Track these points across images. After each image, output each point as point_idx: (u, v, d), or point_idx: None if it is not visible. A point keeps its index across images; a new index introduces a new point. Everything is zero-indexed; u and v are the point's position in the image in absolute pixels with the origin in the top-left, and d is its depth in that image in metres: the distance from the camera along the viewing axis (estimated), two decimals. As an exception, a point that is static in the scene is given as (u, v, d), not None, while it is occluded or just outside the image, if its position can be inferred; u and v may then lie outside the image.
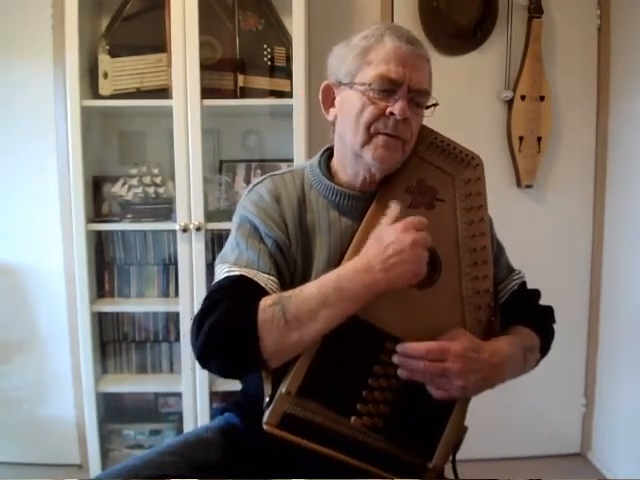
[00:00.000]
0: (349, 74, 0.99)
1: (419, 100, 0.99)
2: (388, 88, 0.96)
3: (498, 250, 1.14)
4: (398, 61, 0.96)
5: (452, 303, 0.99)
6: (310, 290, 0.91)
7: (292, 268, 1.01)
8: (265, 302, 0.90)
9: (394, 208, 0.95)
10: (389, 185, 1.03)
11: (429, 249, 0.92)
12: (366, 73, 0.97)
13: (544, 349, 1.10)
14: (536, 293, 1.17)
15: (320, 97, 1.07)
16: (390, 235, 0.91)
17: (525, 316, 1.09)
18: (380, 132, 0.97)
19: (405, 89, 0.96)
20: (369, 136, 0.98)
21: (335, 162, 1.08)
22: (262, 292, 0.94)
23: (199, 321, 0.92)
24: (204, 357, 0.93)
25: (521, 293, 1.13)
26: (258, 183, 1.08)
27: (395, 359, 0.93)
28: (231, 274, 0.96)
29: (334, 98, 1.05)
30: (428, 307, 0.96)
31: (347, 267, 0.91)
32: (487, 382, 0.95)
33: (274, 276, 0.97)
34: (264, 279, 0.95)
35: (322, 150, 1.11)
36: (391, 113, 0.95)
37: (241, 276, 0.95)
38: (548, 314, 1.15)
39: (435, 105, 1.03)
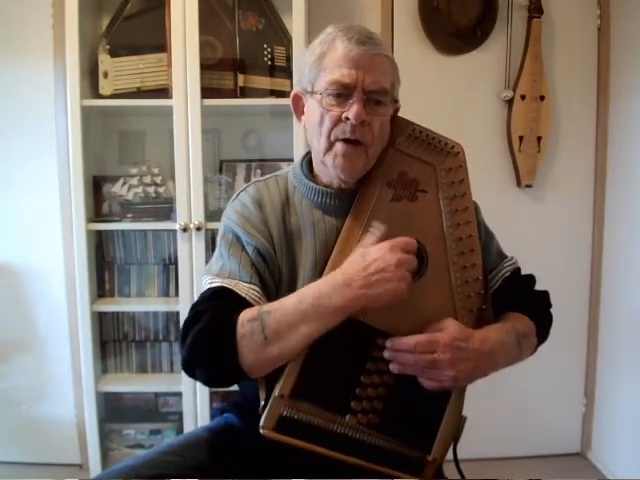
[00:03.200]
0: (310, 82, 1.00)
1: (379, 99, 0.98)
2: (342, 93, 0.96)
3: (487, 237, 1.13)
4: (350, 64, 0.95)
5: (441, 294, 0.99)
6: (290, 305, 0.91)
7: (277, 273, 1.01)
8: (244, 316, 0.91)
9: (378, 228, 0.94)
10: (369, 181, 1.03)
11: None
12: (322, 80, 0.98)
13: (542, 335, 1.09)
14: (530, 278, 1.16)
15: (291, 106, 1.08)
16: (375, 253, 0.90)
17: (519, 302, 1.08)
18: (339, 138, 0.97)
19: (360, 92, 0.95)
20: (330, 143, 0.99)
21: (314, 166, 1.09)
22: (243, 302, 0.95)
23: (184, 332, 0.94)
24: (188, 368, 0.95)
25: (514, 279, 1.11)
26: (242, 191, 1.09)
27: (386, 354, 0.93)
28: (212, 285, 0.98)
29: (304, 105, 1.05)
30: (417, 300, 0.95)
31: (327, 281, 0.91)
32: (479, 370, 0.94)
33: (256, 285, 0.97)
34: (245, 289, 0.96)
35: (305, 153, 1.11)
36: (347, 118, 0.96)
37: (222, 287, 0.97)
38: (543, 299, 1.15)
39: (396, 101, 1.02)
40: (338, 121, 0.97)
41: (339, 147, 0.98)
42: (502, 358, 0.98)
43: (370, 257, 0.90)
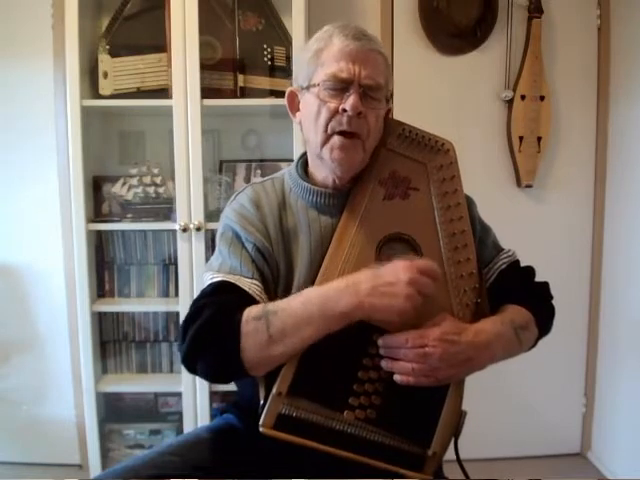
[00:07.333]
0: (307, 78, 1.02)
1: (373, 95, 0.99)
2: (339, 86, 0.98)
3: (483, 231, 1.13)
4: (347, 58, 0.97)
5: (436, 289, 0.99)
6: (295, 306, 0.91)
7: (275, 270, 1.02)
8: (249, 313, 0.92)
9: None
10: (362, 180, 1.05)
11: (408, 238, 0.94)
12: (320, 74, 0.99)
13: (543, 327, 1.08)
14: (529, 270, 1.15)
15: (286, 103, 1.10)
16: (390, 267, 0.91)
17: (516, 294, 1.07)
18: (336, 131, 0.99)
19: (356, 85, 0.97)
20: (327, 136, 1.00)
21: (309, 164, 1.10)
22: (246, 296, 0.95)
23: (184, 327, 0.94)
24: (189, 362, 0.95)
25: (512, 272, 1.11)
26: (239, 193, 1.11)
27: (381, 351, 0.94)
28: (214, 280, 0.99)
29: (299, 102, 1.07)
30: None
31: (334, 286, 0.92)
32: (474, 362, 0.94)
33: (257, 280, 0.99)
34: (247, 283, 0.97)
35: (300, 154, 1.13)
36: (344, 109, 0.97)
37: (224, 282, 0.97)
38: (543, 290, 1.14)
39: (391, 96, 1.04)
40: (335, 113, 0.98)
41: (336, 140, 0.99)
42: (499, 350, 0.98)
43: (383, 270, 0.91)
